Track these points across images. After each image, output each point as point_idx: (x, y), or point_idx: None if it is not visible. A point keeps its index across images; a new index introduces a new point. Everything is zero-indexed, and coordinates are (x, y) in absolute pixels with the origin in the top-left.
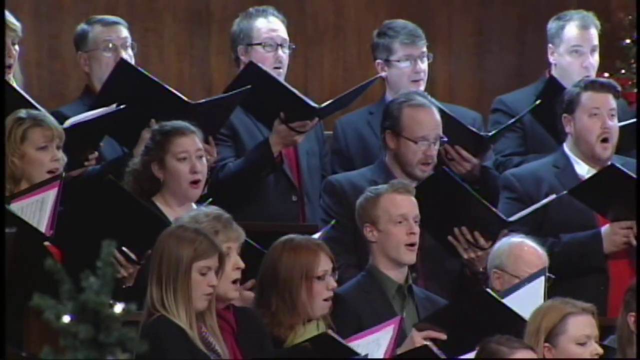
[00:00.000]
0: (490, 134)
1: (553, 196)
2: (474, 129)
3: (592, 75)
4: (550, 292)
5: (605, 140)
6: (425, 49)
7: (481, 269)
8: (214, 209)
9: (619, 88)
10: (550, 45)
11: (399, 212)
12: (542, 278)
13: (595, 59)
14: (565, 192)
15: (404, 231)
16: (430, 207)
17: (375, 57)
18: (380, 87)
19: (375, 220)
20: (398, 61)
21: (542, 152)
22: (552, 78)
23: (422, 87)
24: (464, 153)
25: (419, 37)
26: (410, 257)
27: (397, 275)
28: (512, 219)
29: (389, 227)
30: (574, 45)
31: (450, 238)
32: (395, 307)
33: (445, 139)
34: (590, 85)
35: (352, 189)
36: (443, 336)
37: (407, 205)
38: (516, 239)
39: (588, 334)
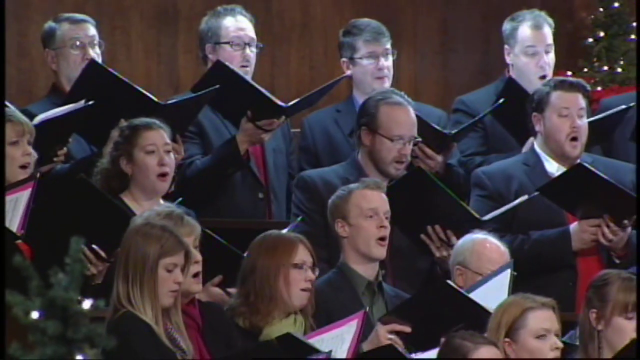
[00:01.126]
0: (453, 132)
1: (525, 197)
2: (437, 127)
3: (549, 74)
4: (519, 288)
5: (574, 139)
6: (389, 46)
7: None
8: (165, 207)
9: (589, 88)
10: (506, 46)
11: (369, 207)
12: (508, 271)
13: (550, 58)
14: (536, 192)
15: (374, 225)
16: (404, 206)
17: (341, 55)
18: (347, 86)
19: (347, 215)
20: (361, 59)
21: (504, 151)
22: (510, 79)
23: (386, 84)
24: (428, 151)
25: (382, 35)
26: (381, 251)
27: (367, 272)
28: (486, 217)
29: (360, 221)
30: (528, 46)
31: (423, 236)
32: (365, 304)
33: (419, 140)
34: (560, 85)
35: (324, 185)
36: (407, 329)
37: (377, 200)
38: (479, 236)
39: (547, 328)
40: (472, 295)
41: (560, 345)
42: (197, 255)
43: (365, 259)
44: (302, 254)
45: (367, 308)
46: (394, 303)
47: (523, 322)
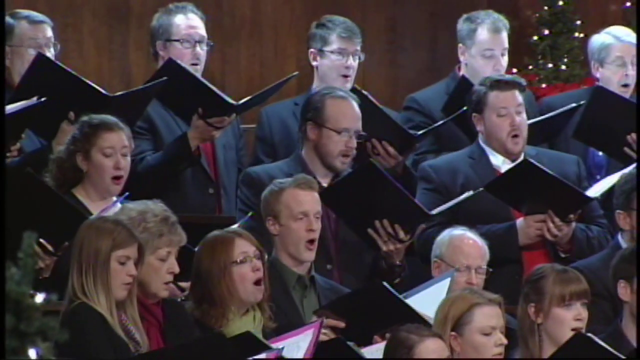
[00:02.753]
0: (418, 133)
1: (471, 192)
2: (404, 128)
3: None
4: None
5: (515, 136)
6: (359, 48)
7: (398, 262)
8: (162, 209)
9: (524, 83)
10: (460, 45)
11: (299, 209)
12: (448, 280)
13: (505, 61)
14: (481, 188)
15: (303, 227)
16: (352, 200)
17: (309, 46)
18: (308, 79)
19: (277, 214)
20: (332, 52)
21: (455, 149)
22: (463, 79)
23: (349, 85)
24: (391, 149)
25: (356, 35)
26: (309, 255)
27: (299, 267)
28: (434, 212)
29: (290, 223)
30: (487, 49)
31: (370, 231)
32: (295, 297)
33: (364, 134)
34: (496, 85)
35: (270, 181)
36: (342, 324)
37: (308, 201)
38: (458, 230)
39: (493, 325)
40: (411, 300)
41: (505, 341)
42: (175, 268)
43: (295, 260)
44: (242, 248)
45: (304, 303)
46: (327, 295)
47: (470, 317)
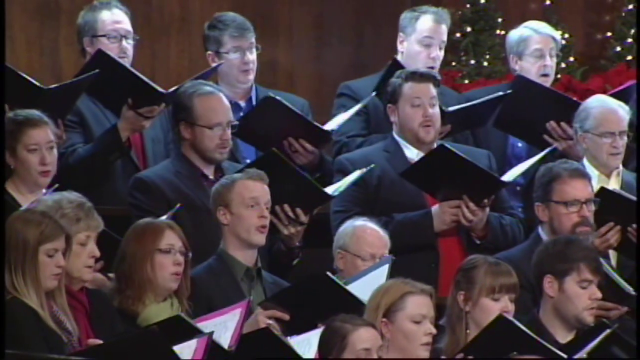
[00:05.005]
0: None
1: (364, 170)
2: (318, 124)
3: (437, 68)
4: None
5: (427, 126)
6: (253, 40)
7: (297, 243)
8: (76, 196)
9: (439, 77)
10: (401, 34)
11: (251, 196)
12: (387, 266)
13: (441, 54)
14: (373, 165)
15: (255, 214)
16: None
17: (206, 48)
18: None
19: (229, 203)
20: (227, 53)
21: (384, 133)
22: (395, 62)
23: (251, 77)
24: (308, 146)
25: (247, 30)
26: (261, 238)
27: (246, 258)
28: (333, 192)
29: (242, 210)
30: (426, 36)
31: (270, 216)
32: (244, 289)
33: (236, 123)
34: (411, 77)
35: (163, 182)
36: (286, 317)
37: (259, 190)
38: (359, 221)
39: (424, 314)
40: (351, 287)
41: (434, 331)
42: (96, 251)
43: (245, 246)
44: (170, 239)
45: (252, 296)
46: (272, 289)
47: (401, 305)
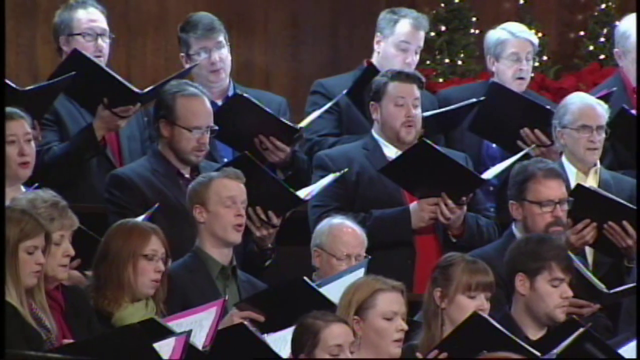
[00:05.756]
0: (300, 125)
1: (337, 174)
2: (288, 122)
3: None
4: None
5: (409, 126)
6: (221, 39)
7: (270, 245)
8: (51, 195)
9: (424, 79)
10: (378, 34)
11: (228, 195)
12: (362, 269)
13: (416, 58)
14: (346, 169)
15: (231, 213)
16: None
17: (180, 50)
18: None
19: (206, 201)
20: (195, 55)
21: (357, 133)
22: (370, 65)
23: (222, 76)
24: (279, 144)
25: (211, 30)
26: (237, 236)
27: (222, 257)
28: (303, 195)
29: (218, 209)
30: (403, 41)
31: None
32: (219, 287)
33: (216, 128)
34: (397, 76)
35: (140, 179)
36: (261, 318)
37: (236, 189)
38: (337, 220)
39: (395, 311)
40: (326, 288)
41: (405, 327)
42: (70, 250)
43: (221, 244)
44: (155, 245)
45: (227, 294)
46: (246, 288)
47: (372, 302)
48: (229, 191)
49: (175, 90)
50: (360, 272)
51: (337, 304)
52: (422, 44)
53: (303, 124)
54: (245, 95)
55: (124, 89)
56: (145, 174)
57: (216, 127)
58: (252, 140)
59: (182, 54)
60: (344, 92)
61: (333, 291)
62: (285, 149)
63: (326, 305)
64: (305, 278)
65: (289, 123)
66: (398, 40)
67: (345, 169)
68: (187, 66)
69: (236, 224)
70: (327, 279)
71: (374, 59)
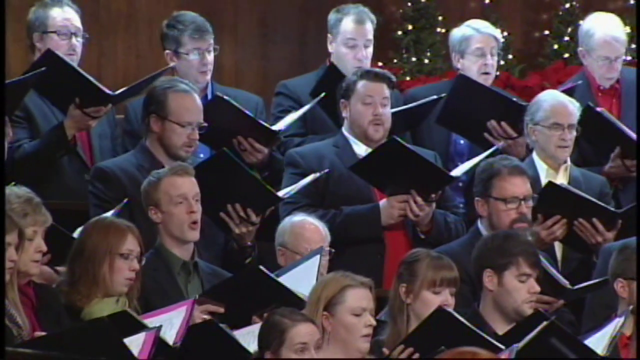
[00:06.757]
0: (281, 128)
1: (317, 174)
2: (265, 124)
3: (367, 66)
4: (332, 263)
5: (377, 124)
6: (212, 42)
7: (249, 243)
8: (25, 191)
9: (394, 79)
10: (329, 35)
11: (178, 193)
12: (317, 257)
13: (368, 52)
14: (327, 170)
15: (184, 211)
16: (206, 186)
17: (164, 47)
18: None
19: (158, 202)
20: (187, 53)
21: (321, 133)
22: (332, 66)
23: (208, 77)
24: (257, 145)
25: (206, 32)
26: (194, 234)
27: (183, 253)
28: (282, 194)
29: (171, 208)
30: (349, 38)
31: (222, 214)
32: (180, 283)
33: (206, 125)
34: (366, 75)
35: (123, 173)
36: (221, 309)
37: (186, 185)
38: (298, 217)
39: (364, 306)
40: (284, 278)
41: (374, 323)
42: (43, 246)
43: (180, 242)
44: (131, 244)
45: (189, 289)
46: (210, 280)
47: (341, 298)
48: (178, 189)
49: (167, 86)
50: (315, 260)
51: (296, 297)
52: (370, 36)
53: (278, 126)
54: (225, 97)
55: (96, 90)
56: (129, 168)
57: (205, 124)
58: (230, 141)
59: (167, 51)
60: (315, 98)
61: (290, 281)
62: (263, 150)
63: (284, 293)
64: (262, 267)
65: (267, 125)
66: (345, 38)
67: (327, 170)
68: (172, 64)
69: (191, 221)
70: (284, 268)
71: (332, 59)
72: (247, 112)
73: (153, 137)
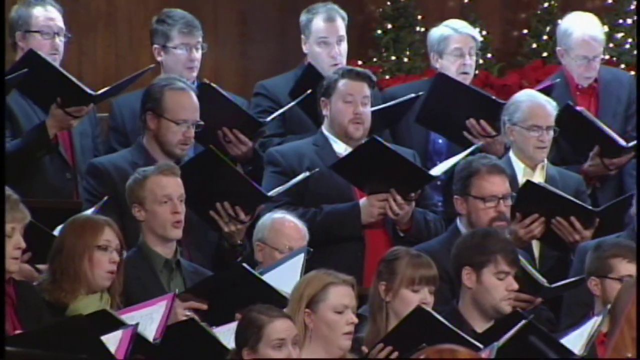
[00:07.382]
0: (267, 119)
1: (307, 173)
2: (252, 115)
3: (342, 63)
4: (311, 261)
5: (357, 123)
6: (200, 39)
7: (239, 241)
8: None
9: (375, 78)
10: (302, 36)
11: (163, 193)
12: (302, 255)
13: (342, 48)
14: (317, 169)
15: (168, 210)
16: (194, 184)
17: (152, 42)
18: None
19: (142, 200)
20: (175, 48)
21: (300, 133)
22: (310, 66)
23: (194, 74)
24: (242, 137)
25: (195, 28)
26: (176, 233)
27: (165, 251)
28: (271, 193)
29: (155, 207)
30: (321, 37)
31: (212, 213)
32: (163, 281)
33: (202, 123)
34: (347, 74)
35: (116, 170)
36: (204, 306)
37: (171, 185)
38: (278, 214)
39: (346, 304)
40: (267, 276)
41: (356, 320)
42: (21, 243)
43: (163, 240)
44: (108, 236)
45: (172, 286)
46: (192, 278)
47: (324, 295)
48: (163, 189)
49: (164, 83)
50: (299, 259)
51: (279, 295)
52: (342, 32)
53: (266, 119)
54: (212, 84)
55: (77, 90)
56: (123, 165)
57: (202, 122)
58: (215, 132)
59: (155, 46)
60: (297, 100)
61: (273, 279)
62: (248, 143)
63: (267, 291)
64: (245, 264)
65: (254, 116)
66: (317, 37)
67: (316, 169)
68: (159, 59)
69: (174, 221)
70: (267, 267)
71: (308, 60)
72: (233, 99)
73: (149, 134)
